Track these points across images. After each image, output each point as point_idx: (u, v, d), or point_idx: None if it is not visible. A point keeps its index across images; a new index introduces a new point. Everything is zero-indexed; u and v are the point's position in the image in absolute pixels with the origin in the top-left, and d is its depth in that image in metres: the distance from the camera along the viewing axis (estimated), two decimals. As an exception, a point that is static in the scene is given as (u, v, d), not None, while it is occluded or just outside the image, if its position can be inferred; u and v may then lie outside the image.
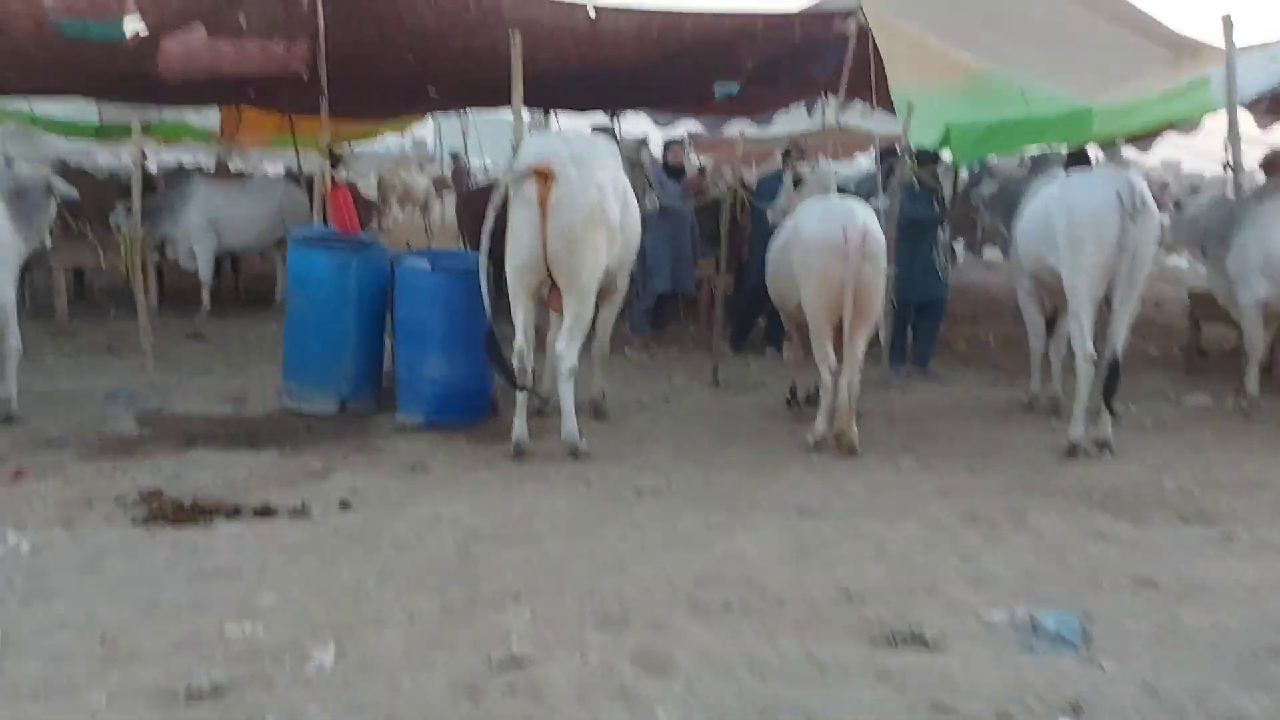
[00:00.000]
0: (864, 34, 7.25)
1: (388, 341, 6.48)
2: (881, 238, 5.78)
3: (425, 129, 26.15)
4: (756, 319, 8.68)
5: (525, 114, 7.32)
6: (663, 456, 5.65)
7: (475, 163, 21.27)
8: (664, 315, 9.05)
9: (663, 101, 11.29)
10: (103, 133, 17.35)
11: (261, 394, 6.75)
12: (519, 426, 5.54)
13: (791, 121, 12.85)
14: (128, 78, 9.59)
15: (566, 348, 5.55)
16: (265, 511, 4.55)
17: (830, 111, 9.64)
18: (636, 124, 13.61)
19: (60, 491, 4.76)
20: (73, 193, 6.08)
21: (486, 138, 23.01)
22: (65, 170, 14.24)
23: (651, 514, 4.67)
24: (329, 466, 5.29)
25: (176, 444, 5.62)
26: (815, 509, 4.78)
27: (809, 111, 11.82)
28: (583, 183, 5.41)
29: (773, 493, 5.07)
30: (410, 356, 6.09)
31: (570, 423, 5.58)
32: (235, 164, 17.49)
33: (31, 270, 9.43)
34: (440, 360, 6.01)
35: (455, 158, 22.99)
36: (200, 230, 9.88)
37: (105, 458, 5.32)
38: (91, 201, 10.91)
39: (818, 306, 5.74)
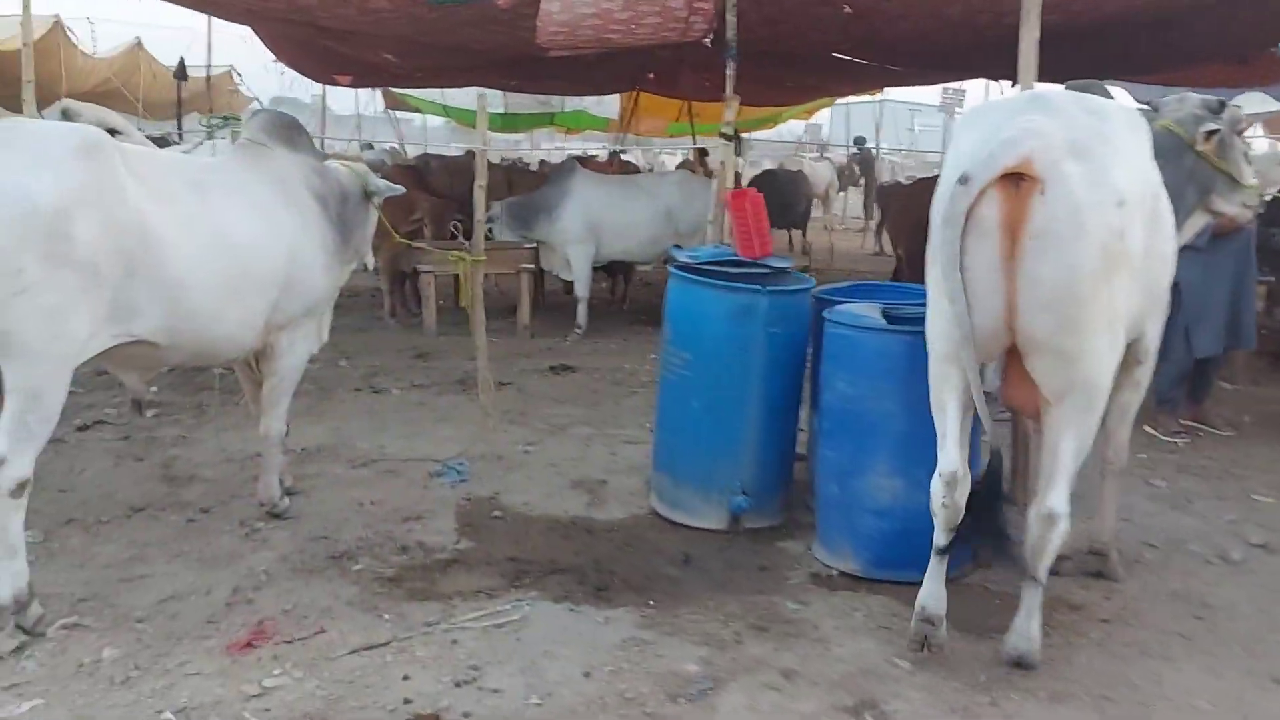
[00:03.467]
0: None
1: (803, 419, 4.29)
2: None
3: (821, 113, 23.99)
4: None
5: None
6: (1212, 683, 3.01)
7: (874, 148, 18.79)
8: (1205, 382, 6.02)
9: (1183, 60, 8.08)
10: (508, 123, 16.95)
11: (628, 479, 4.83)
12: (929, 589, 3.21)
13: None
14: (515, 61, 8.26)
15: (1061, 502, 3.07)
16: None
17: None
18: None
19: (302, 685, 3.01)
20: (395, 190, 4.45)
21: (886, 122, 20.48)
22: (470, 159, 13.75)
23: None
24: (712, 669, 3.15)
25: (495, 578, 3.77)
26: None
27: None
28: (1093, 190, 2.89)
29: None
30: (844, 463, 3.82)
31: (1032, 622, 3.17)
32: (630, 155, 16.46)
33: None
34: (895, 479, 3.68)
35: (860, 143, 20.57)
36: (578, 236, 8.29)
37: (390, 600, 3.56)
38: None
39: None
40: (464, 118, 17.30)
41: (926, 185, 8.12)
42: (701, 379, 4.15)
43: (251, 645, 3.20)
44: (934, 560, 3.23)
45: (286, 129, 4.09)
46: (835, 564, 3.88)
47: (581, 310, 8.38)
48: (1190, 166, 3.75)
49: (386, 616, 3.43)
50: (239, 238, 3.63)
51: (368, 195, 4.43)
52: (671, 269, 4.35)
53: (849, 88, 13.10)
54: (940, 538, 3.21)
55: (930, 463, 3.26)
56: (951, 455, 3.18)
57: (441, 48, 7.68)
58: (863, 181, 19.18)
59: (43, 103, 8.84)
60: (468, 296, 4.96)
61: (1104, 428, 3.74)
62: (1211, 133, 3.81)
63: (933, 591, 3.22)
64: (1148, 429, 5.66)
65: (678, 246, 4.40)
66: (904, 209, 9.01)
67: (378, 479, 4.80)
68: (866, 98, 17.44)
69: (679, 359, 4.22)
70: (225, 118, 4.99)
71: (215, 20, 10.73)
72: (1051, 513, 3.08)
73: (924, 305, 3.26)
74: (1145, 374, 3.76)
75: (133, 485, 4.59)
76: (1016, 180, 2.90)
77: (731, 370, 4.11)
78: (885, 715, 2.93)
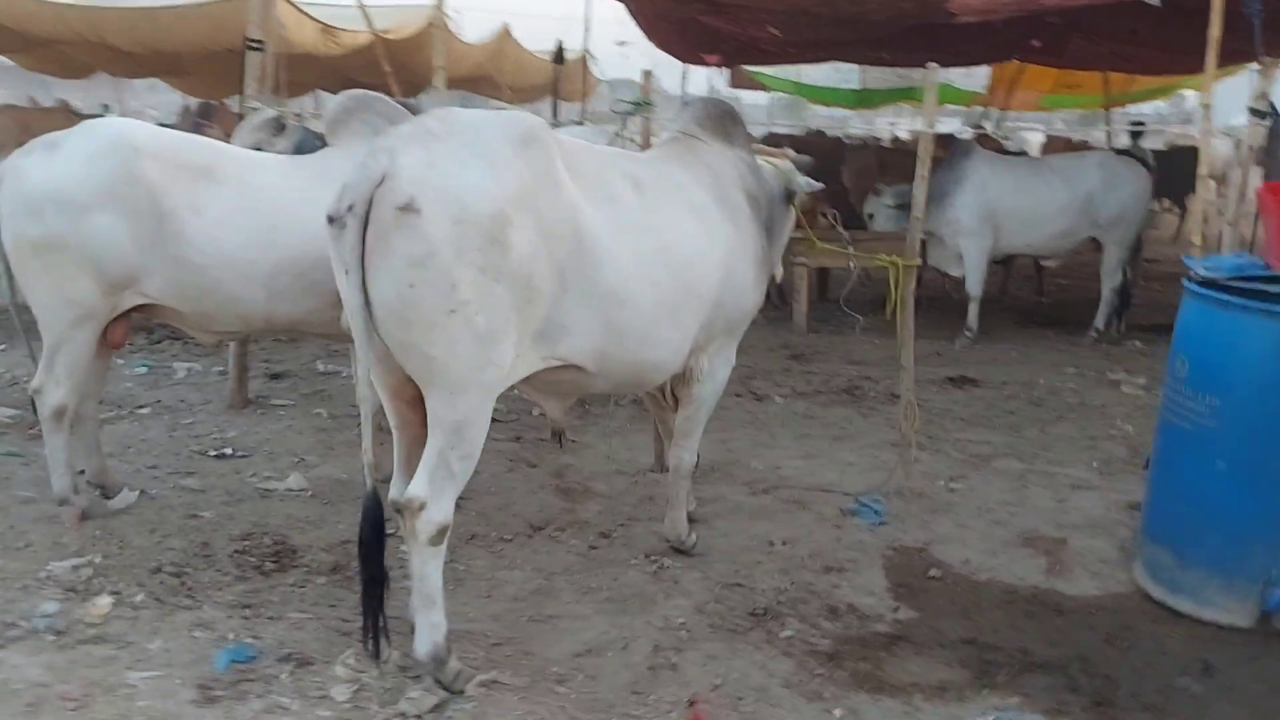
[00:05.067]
0: None
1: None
2: None
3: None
4: None
5: None
6: None
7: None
8: None
9: None
10: (863, 99, 16.04)
11: (1092, 541, 3.93)
12: None
13: None
14: (903, 33, 7.42)
15: None
16: None
17: None
18: None
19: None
20: (815, 186, 3.81)
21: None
22: (819, 139, 12.99)
23: None
24: None
25: (956, 668, 3.04)
26: None
27: None
28: None
29: None
30: None
31: None
32: (995, 132, 14.96)
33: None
34: None
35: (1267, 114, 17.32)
36: (973, 226, 7.31)
37: (835, 686, 2.91)
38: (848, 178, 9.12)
39: None
40: (817, 95, 16.59)
41: None
42: (1233, 434, 3.17)
43: (689, 732, 2.68)
44: None
45: (722, 119, 3.54)
46: None
47: (973, 311, 7.41)
48: None
49: (837, 713, 2.80)
50: (681, 247, 3.11)
51: (789, 196, 3.82)
52: (1189, 285, 3.38)
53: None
54: None
55: None
56: None
57: (833, 19, 6.98)
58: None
59: (418, 89, 9.10)
60: (894, 304, 4.22)
61: None
62: None
63: None
64: None
65: (1191, 258, 3.44)
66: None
67: (783, 511, 4.20)
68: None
69: (1198, 404, 3.25)
70: (636, 103, 4.51)
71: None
72: None
73: None
74: None
75: (528, 496, 4.28)
76: None
77: (1275, 419, 3.10)
78: None
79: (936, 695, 2.91)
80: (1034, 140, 19.13)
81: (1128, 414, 5.53)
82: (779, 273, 4.20)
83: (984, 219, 7.30)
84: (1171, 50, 8.45)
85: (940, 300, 8.55)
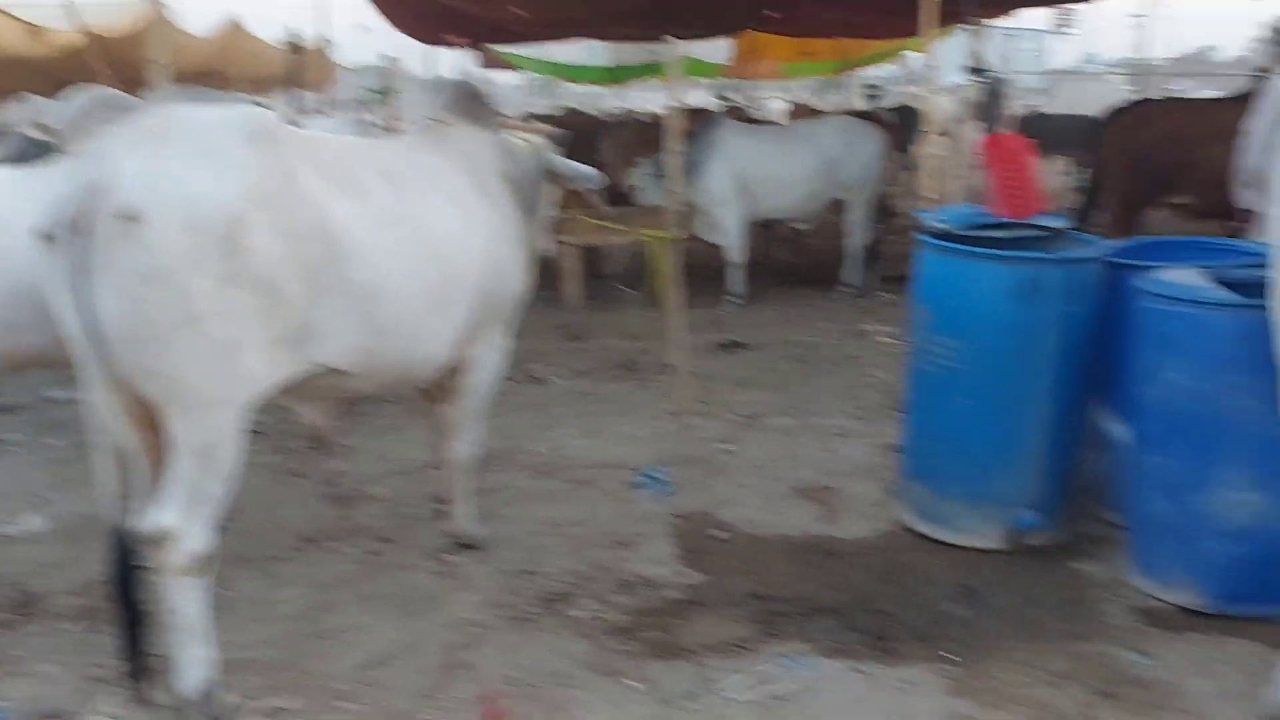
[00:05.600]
0: None
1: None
2: None
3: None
4: None
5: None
6: None
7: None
8: None
9: None
10: (614, 76, 16.18)
11: (859, 485, 4.14)
12: None
13: None
14: (648, 6, 7.51)
15: None
16: None
17: None
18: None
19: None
20: (592, 176, 3.77)
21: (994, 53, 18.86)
22: (575, 117, 13.02)
23: None
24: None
25: (745, 624, 3.12)
26: None
27: None
28: None
29: None
30: (1180, 474, 3.05)
31: None
32: (740, 102, 15.51)
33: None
34: (1254, 492, 2.91)
35: (980, 72, 18.93)
36: (727, 194, 7.53)
37: (632, 660, 2.93)
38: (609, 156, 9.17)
39: None
40: (569, 73, 16.59)
41: (1168, 109, 6.92)
42: (974, 373, 3.40)
43: (487, 733, 2.61)
44: None
45: (471, 102, 3.43)
46: (1166, 596, 3.13)
47: (736, 277, 7.65)
48: None
49: (636, 684, 2.81)
50: (441, 237, 2.99)
51: (544, 173, 3.76)
52: (924, 238, 3.59)
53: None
54: None
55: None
56: None
57: (576, -2, 6.99)
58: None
59: (142, 87, 8.43)
60: (656, 278, 4.27)
61: None
62: None
63: None
64: None
65: (924, 211, 3.66)
66: (1126, 135, 6.55)
67: (569, 492, 4.19)
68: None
69: (942, 348, 3.47)
70: (380, 90, 4.31)
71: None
72: None
73: (1262, 267, 2.52)
74: None
75: (299, 508, 4.06)
76: None
77: (1013, 361, 3.36)
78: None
79: (726, 652, 2.97)
80: (780, 109, 19.99)
81: (881, 362, 5.86)
82: (549, 249, 4.13)
83: (736, 187, 7.53)
84: (894, 14, 9.00)
85: (711, 269, 8.77)
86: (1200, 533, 3.00)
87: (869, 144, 7.56)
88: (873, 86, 15.36)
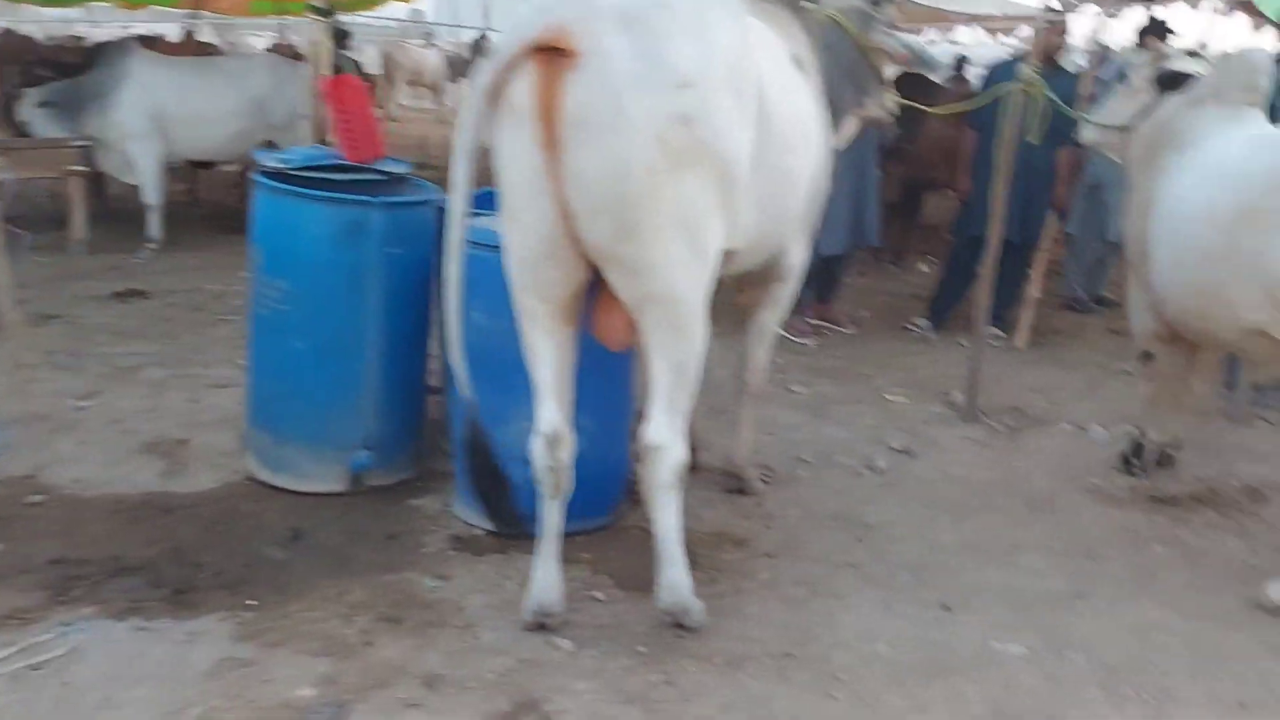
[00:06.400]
0: None
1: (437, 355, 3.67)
2: None
3: (425, -4, 22.39)
4: (967, 285, 5.74)
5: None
6: (889, 622, 2.96)
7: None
8: (832, 281, 6.06)
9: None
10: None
11: (217, 436, 3.96)
12: (542, 579, 2.83)
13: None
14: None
15: (660, 432, 2.67)
16: None
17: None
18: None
19: None
20: None
21: (499, 8, 19.44)
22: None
23: None
24: (336, 689, 2.51)
25: (32, 593, 2.83)
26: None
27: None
28: (645, 67, 2.36)
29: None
30: (486, 406, 3.25)
31: (674, 571, 2.78)
32: (207, 37, 14.32)
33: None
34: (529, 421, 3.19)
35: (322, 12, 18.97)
36: (140, 129, 6.87)
37: None
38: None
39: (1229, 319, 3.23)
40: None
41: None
42: (304, 314, 3.36)
43: None
44: (544, 539, 2.81)
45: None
46: (479, 523, 3.34)
47: (154, 221, 7.02)
48: (850, 64, 3.51)
49: None
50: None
51: None
52: (258, 177, 3.47)
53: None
54: (550, 513, 2.78)
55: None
56: (550, 410, 2.77)
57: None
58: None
59: None
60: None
61: (746, 344, 3.56)
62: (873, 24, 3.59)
63: (546, 581, 2.81)
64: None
65: (270, 146, 3.49)
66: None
67: None
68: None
69: (274, 290, 3.39)
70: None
71: None
72: (649, 445, 2.67)
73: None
74: (786, 293, 3.55)
75: None
76: (554, 53, 2.34)
77: (342, 302, 3.37)
78: (549, 718, 2.47)
79: (6, 624, 2.67)
80: (259, 46, 18.79)
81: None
82: None
83: (151, 122, 6.89)
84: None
85: (129, 211, 7.97)
86: (504, 460, 3.23)
87: (301, 84, 7.30)
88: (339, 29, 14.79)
